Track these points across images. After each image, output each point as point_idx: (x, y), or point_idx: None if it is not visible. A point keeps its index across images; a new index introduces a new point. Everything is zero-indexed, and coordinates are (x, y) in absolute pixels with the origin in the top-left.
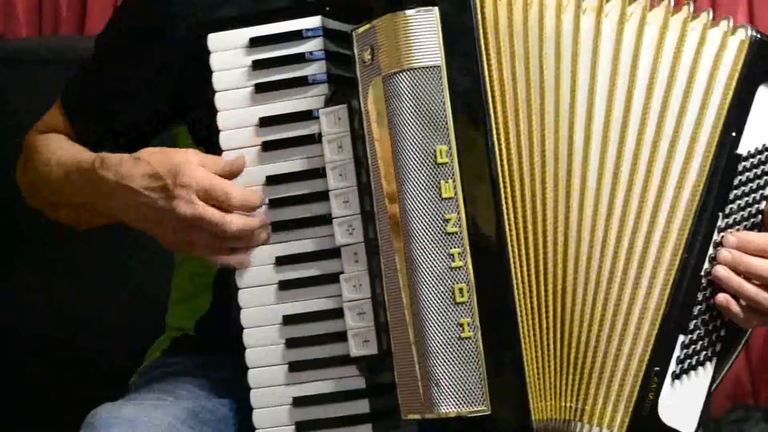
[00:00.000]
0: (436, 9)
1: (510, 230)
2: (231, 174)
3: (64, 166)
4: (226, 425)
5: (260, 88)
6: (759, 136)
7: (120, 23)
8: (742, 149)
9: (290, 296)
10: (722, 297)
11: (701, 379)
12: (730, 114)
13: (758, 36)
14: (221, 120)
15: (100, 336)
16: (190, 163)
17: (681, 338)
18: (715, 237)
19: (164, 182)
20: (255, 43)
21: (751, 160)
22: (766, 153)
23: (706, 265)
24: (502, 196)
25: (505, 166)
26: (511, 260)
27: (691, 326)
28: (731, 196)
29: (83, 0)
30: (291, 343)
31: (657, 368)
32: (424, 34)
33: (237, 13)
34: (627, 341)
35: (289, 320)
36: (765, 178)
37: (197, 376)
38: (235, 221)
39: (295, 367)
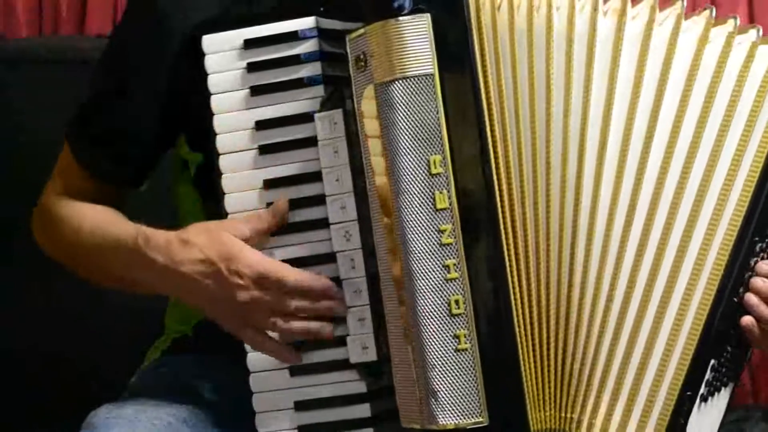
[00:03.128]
0: (428, 15)
1: (507, 240)
2: (282, 219)
3: (100, 238)
4: (226, 425)
5: (256, 91)
6: None
7: (116, 44)
8: None
9: None
10: (749, 320)
11: (722, 398)
12: None
13: None
14: (217, 123)
15: (100, 336)
16: (242, 247)
17: (712, 362)
18: (751, 263)
19: (217, 268)
20: (249, 44)
21: None
22: None
23: (742, 289)
24: (499, 206)
25: (503, 176)
26: (509, 270)
27: (724, 350)
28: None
29: (83, 0)
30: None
31: (690, 393)
32: (415, 42)
33: (230, 14)
34: (653, 363)
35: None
36: None
37: (197, 376)
38: (294, 302)
39: (296, 371)
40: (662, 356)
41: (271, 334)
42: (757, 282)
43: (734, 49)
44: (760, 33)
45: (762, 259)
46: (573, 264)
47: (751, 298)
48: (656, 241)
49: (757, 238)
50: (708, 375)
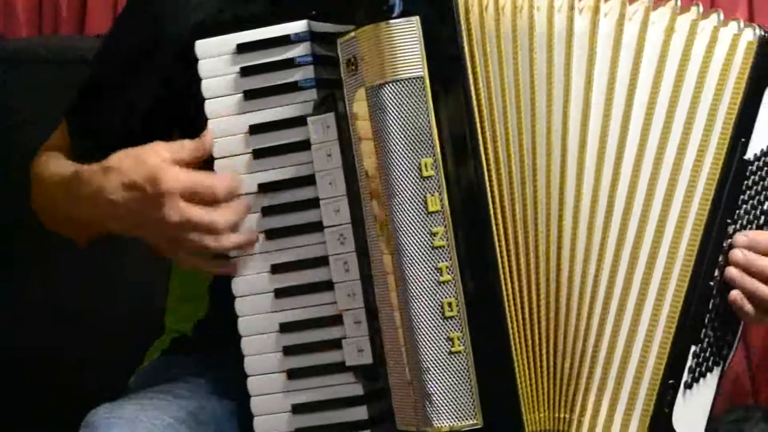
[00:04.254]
0: (417, 18)
1: (500, 241)
2: (204, 153)
3: (52, 182)
4: (226, 425)
5: (249, 95)
6: (763, 138)
7: (112, 40)
8: (750, 153)
9: (286, 304)
10: (736, 295)
11: (709, 384)
12: (740, 121)
13: (766, 35)
14: (211, 127)
15: (100, 336)
16: (166, 166)
17: (693, 348)
18: (725, 245)
19: (144, 191)
20: (243, 49)
21: (757, 163)
22: None
23: (716, 273)
24: (491, 207)
25: (494, 176)
26: (501, 271)
27: (702, 335)
28: (739, 202)
29: (83, 0)
30: (288, 351)
31: (672, 381)
32: (405, 45)
33: (224, 19)
34: (634, 354)
35: (285, 328)
36: None
37: (197, 376)
38: (225, 215)
39: (293, 374)
40: (642, 347)
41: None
42: (736, 254)
43: (698, 35)
44: (721, 17)
45: None
46: (560, 264)
47: (731, 271)
48: (633, 232)
49: (729, 220)
50: (690, 362)
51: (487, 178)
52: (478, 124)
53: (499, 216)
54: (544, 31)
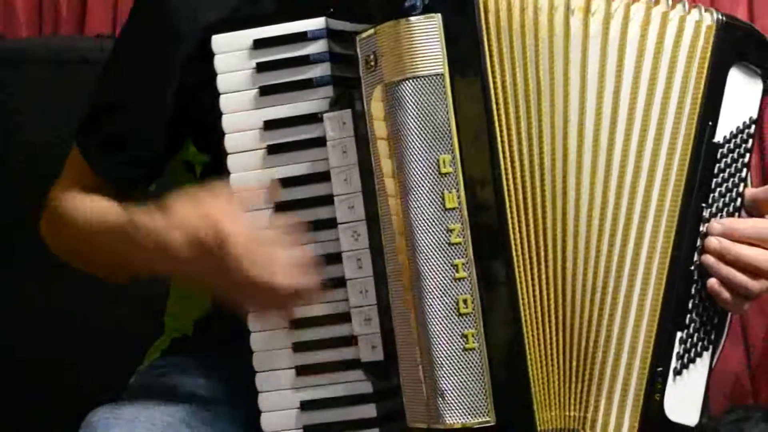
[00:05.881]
0: (438, 15)
1: (516, 239)
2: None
3: (95, 228)
4: (225, 425)
5: (265, 91)
6: (732, 120)
7: (125, 43)
8: (719, 136)
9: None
10: (714, 283)
11: (700, 369)
12: (706, 104)
13: (723, 18)
14: (226, 123)
15: (100, 336)
16: (230, 221)
17: (679, 334)
18: (702, 229)
19: (209, 249)
20: (259, 45)
21: (728, 145)
22: (740, 135)
23: (696, 257)
24: (508, 204)
25: (511, 174)
26: (517, 270)
27: (687, 320)
28: (712, 186)
29: (83, 0)
30: (298, 347)
31: (660, 368)
32: (426, 42)
33: (240, 15)
34: (625, 346)
35: (295, 324)
36: (741, 160)
37: (197, 376)
38: (288, 279)
39: (302, 371)
40: (631, 339)
41: None
42: (712, 242)
43: (668, 26)
44: (686, 6)
45: None
46: (576, 264)
47: (708, 259)
48: (621, 228)
49: (703, 204)
50: (677, 348)
51: (504, 176)
52: (497, 122)
53: (516, 214)
54: (546, 29)
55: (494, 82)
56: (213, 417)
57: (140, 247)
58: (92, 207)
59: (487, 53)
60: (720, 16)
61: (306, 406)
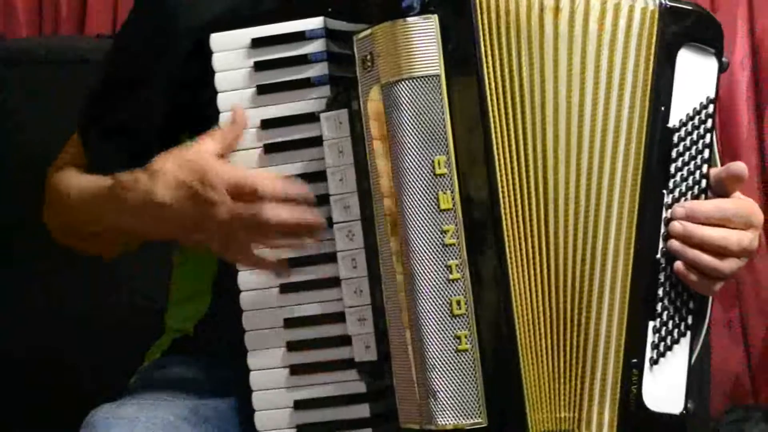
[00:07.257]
0: (435, 17)
1: (510, 242)
2: (238, 134)
3: (84, 196)
4: (226, 424)
5: (262, 90)
6: (688, 102)
7: (124, 38)
8: (674, 120)
9: (291, 299)
10: (680, 266)
11: (679, 356)
12: (656, 89)
13: (665, 3)
14: (224, 121)
15: (100, 336)
16: (213, 162)
17: (651, 324)
18: (665, 215)
19: (192, 188)
20: (257, 44)
21: (684, 128)
22: (697, 116)
23: (661, 245)
24: (502, 207)
25: (506, 177)
26: (510, 272)
27: (659, 309)
28: (672, 171)
29: (83, 0)
30: (292, 347)
31: (634, 360)
32: (423, 43)
33: (238, 13)
34: (603, 342)
35: (290, 323)
36: (702, 141)
37: (197, 376)
38: (274, 210)
39: (296, 370)
40: (608, 334)
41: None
42: (675, 226)
43: (620, 14)
44: None
45: None
46: (566, 266)
47: (673, 244)
48: (592, 225)
49: (664, 191)
50: (652, 337)
51: (499, 178)
52: (492, 124)
53: (511, 216)
54: (557, 31)
55: (490, 84)
56: (214, 414)
57: (127, 205)
58: (83, 177)
59: (484, 54)
60: (661, 1)
61: (299, 405)
